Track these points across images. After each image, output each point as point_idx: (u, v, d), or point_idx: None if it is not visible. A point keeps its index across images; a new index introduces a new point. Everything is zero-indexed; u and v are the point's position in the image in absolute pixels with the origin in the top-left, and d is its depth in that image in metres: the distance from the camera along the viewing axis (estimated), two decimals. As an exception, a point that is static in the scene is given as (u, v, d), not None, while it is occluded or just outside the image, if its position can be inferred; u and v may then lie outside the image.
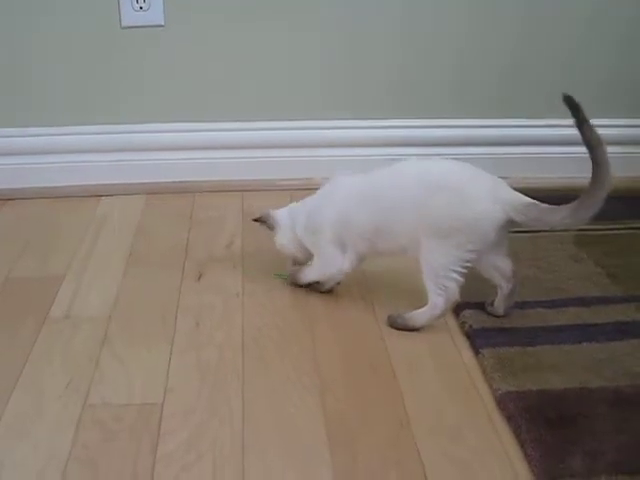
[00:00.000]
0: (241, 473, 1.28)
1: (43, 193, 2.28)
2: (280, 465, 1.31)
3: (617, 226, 2.03)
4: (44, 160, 2.29)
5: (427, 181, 1.62)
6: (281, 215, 1.82)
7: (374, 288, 1.82)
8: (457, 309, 1.70)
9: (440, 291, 1.62)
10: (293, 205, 1.84)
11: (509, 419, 1.38)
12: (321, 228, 1.73)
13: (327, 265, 1.76)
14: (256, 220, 1.84)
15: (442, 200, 1.59)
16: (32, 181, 2.29)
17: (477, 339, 1.60)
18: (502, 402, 1.42)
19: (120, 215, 2.20)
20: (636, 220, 2.01)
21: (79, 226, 2.11)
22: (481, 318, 1.66)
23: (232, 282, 1.85)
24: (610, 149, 2.36)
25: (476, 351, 1.58)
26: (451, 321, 1.70)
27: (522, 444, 1.33)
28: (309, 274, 1.79)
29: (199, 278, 1.87)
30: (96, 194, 2.29)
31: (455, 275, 1.61)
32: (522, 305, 1.70)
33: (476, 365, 1.55)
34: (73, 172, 2.30)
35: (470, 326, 1.64)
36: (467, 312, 1.68)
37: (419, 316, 1.66)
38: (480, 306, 1.70)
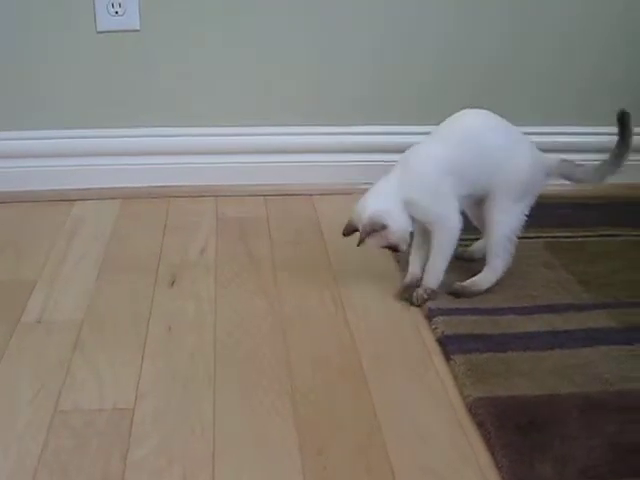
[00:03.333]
0: (211, 479, 1.28)
1: (16, 197, 2.27)
2: (251, 471, 1.30)
3: (588, 233, 2.05)
4: (18, 164, 2.28)
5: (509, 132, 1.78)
6: (385, 208, 1.73)
7: (345, 293, 1.83)
8: (429, 315, 1.71)
9: (503, 255, 1.77)
10: (376, 197, 1.76)
11: (480, 425, 1.39)
12: (438, 183, 1.73)
13: (450, 224, 1.74)
14: (368, 233, 1.72)
15: (525, 152, 1.76)
16: (5, 185, 2.28)
17: (449, 345, 1.60)
18: (473, 408, 1.42)
19: (94, 220, 2.19)
20: (607, 227, 2.03)
21: (53, 230, 2.10)
22: (453, 324, 1.67)
23: (205, 287, 1.85)
24: (583, 157, 2.40)
25: (448, 357, 1.58)
26: (423, 327, 1.70)
27: (492, 450, 1.33)
28: (441, 261, 1.76)
29: (172, 283, 1.87)
30: (70, 198, 2.28)
31: (515, 238, 1.76)
32: (493, 311, 1.72)
33: (447, 371, 1.55)
34: (47, 176, 2.29)
35: (442, 332, 1.64)
36: (439, 318, 1.69)
37: (482, 281, 1.78)
38: (452, 312, 1.70)
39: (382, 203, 1.73)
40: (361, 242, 1.73)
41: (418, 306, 1.76)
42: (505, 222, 1.76)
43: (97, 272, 1.91)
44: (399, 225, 1.73)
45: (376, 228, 1.71)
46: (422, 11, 2.30)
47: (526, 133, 2.31)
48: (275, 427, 1.40)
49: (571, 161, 1.82)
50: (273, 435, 1.38)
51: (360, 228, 1.74)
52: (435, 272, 1.77)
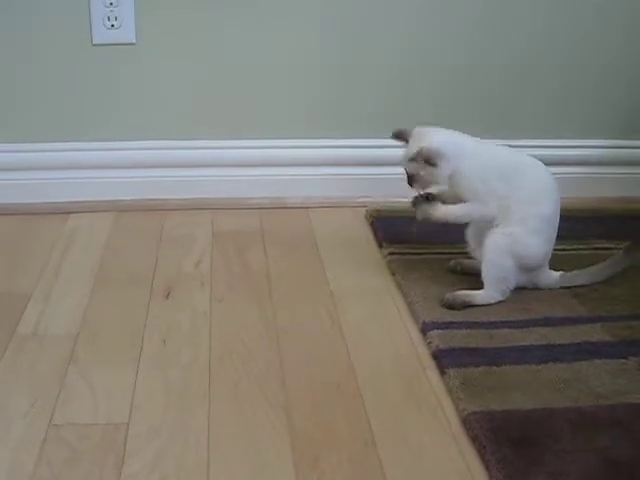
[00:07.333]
0: (206, 493, 1.28)
1: (11, 209, 2.27)
2: (245, 485, 1.30)
3: (582, 246, 2.05)
4: (12, 177, 2.29)
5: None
6: (452, 154, 1.78)
7: (341, 306, 1.83)
8: (424, 329, 1.72)
9: (496, 287, 1.79)
10: (449, 138, 1.82)
11: (474, 440, 1.38)
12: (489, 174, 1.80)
13: (478, 207, 1.80)
14: (422, 158, 1.77)
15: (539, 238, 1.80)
16: (0, 198, 2.28)
17: (443, 359, 1.60)
18: (467, 422, 1.42)
19: (89, 232, 2.19)
20: (601, 240, 2.03)
21: (47, 243, 2.10)
22: (448, 338, 1.66)
23: (200, 300, 1.85)
24: (575, 169, 2.43)
25: (442, 371, 1.58)
26: (418, 340, 1.70)
27: (487, 465, 1.32)
28: (452, 210, 1.82)
29: (167, 296, 1.87)
30: (65, 211, 2.28)
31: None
32: (488, 325, 1.72)
33: (442, 385, 1.55)
34: (42, 189, 2.30)
35: (437, 346, 1.64)
36: (434, 332, 1.68)
37: (476, 296, 1.80)
38: (447, 326, 1.71)
39: (451, 147, 1.79)
40: (409, 157, 1.79)
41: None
42: (494, 264, 1.79)
43: (92, 285, 1.91)
44: (445, 171, 1.78)
45: (430, 161, 1.77)
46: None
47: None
48: (269, 441, 1.39)
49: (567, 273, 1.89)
50: (267, 449, 1.38)
51: (416, 148, 1.78)
52: (450, 209, 1.82)
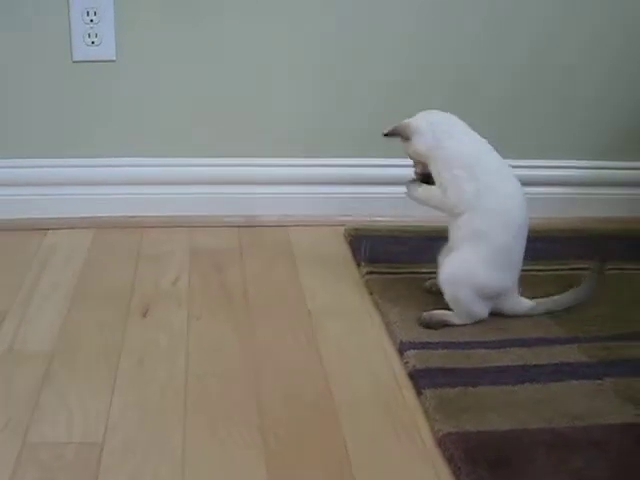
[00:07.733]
0: (180, 514, 1.28)
1: (-11, 225, 2.26)
2: (220, 506, 1.30)
3: (560, 267, 2.06)
4: (-10, 192, 2.28)
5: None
6: (429, 134, 1.77)
7: (318, 326, 1.83)
8: (401, 349, 1.72)
9: (466, 316, 1.79)
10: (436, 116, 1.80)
11: (449, 461, 1.38)
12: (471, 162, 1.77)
13: (440, 194, 1.77)
14: (392, 132, 1.79)
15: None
16: (-24, 214, 2.27)
17: (420, 379, 1.60)
18: (443, 443, 1.42)
19: (66, 249, 2.18)
20: (579, 261, 2.04)
21: (24, 260, 2.09)
22: (424, 358, 1.67)
23: (177, 319, 1.84)
24: (558, 190, 2.44)
25: (419, 391, 1.58)
26: (395, 361, 1.70)
27: (461, 486, 1.33)
28: (420, 192, 1.81)
29: (144, 314, 1.86)
30: (43, 227, 2.27)
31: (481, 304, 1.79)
32: (465, 345, 1.72)
33: (418, 406, 1.55)
34: (20, 205, 2.28)
35: (413, 366, 1.64)
36: (411, 352, 1.68)
37: (451, 316, 1.80)
38: (424, 346, 1.71)
39: (433, 125, 1.78)
40: (387, 133, 1.79)
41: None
42: (451, 296, 1.79)
43: (69, 302, 1.90)
44: (419, 147, 1.77)
45: (402, 136, 1.78)
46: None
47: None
48: (245, 461, 1.39)
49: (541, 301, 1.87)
50: (243, 470, 1.37)
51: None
52: (419, 190, 1.81)
